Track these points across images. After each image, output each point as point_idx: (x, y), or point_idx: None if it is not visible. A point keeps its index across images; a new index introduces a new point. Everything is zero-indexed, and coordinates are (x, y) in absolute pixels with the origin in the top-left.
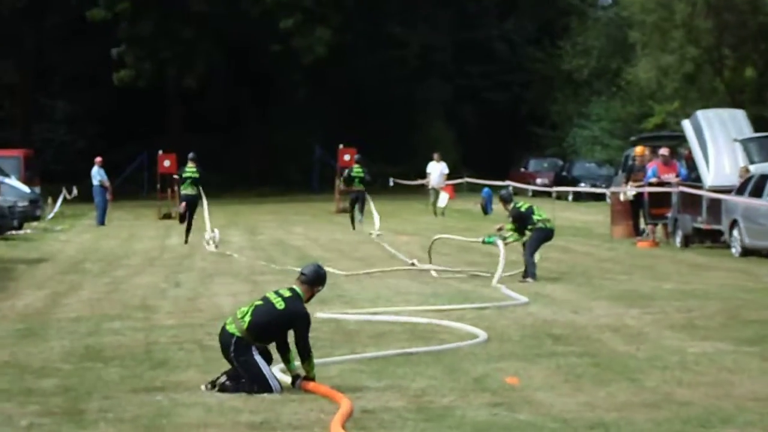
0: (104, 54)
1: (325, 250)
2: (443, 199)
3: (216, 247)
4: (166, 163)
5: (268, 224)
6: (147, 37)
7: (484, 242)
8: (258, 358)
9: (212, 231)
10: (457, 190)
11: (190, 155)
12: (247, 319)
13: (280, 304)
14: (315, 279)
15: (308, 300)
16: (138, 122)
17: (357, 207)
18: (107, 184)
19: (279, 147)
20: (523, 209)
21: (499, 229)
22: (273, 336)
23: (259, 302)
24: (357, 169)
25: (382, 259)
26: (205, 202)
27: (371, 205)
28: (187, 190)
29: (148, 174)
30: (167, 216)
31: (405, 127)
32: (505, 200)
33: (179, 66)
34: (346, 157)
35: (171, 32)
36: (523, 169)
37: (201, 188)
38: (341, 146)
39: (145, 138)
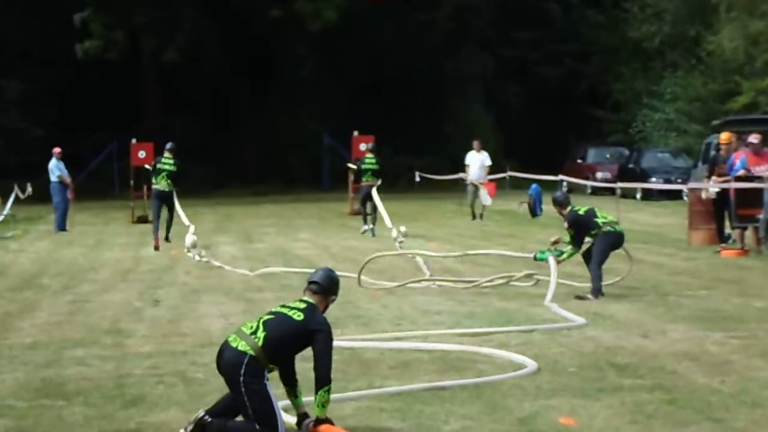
0: (65, 21)
1: (338, 260)
2: (485, 196)
3: (200, 256)
4: (141, 154)
5: (267, 229)
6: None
7: (536, 258)
8: (271, 390)
9: (192, 234)
10: (498, 187)
11: (168, 145)
12: (261, 334)
13: (297, 315)
14: (329, 286)
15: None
16: (107, 105)
17: (369, 207)
18: (68, 180)
19: (280, 135)
20: (581, 212)
21: (555, 243)
22: (289, 355)
23: (269, 316)
24: (369, 160)
25: (407, 272)
26: (176, 202)
27: (376, 201)
28: (159, 185)
29: (119, 167)
30: (143, 219)
31: (433, 109)
32: (560, 203)
33: (157, 35)
34: (363, 147)
35: None
36: (579, 161)
37: (175, 185)
38: (356, 133)
39: (115, 124)
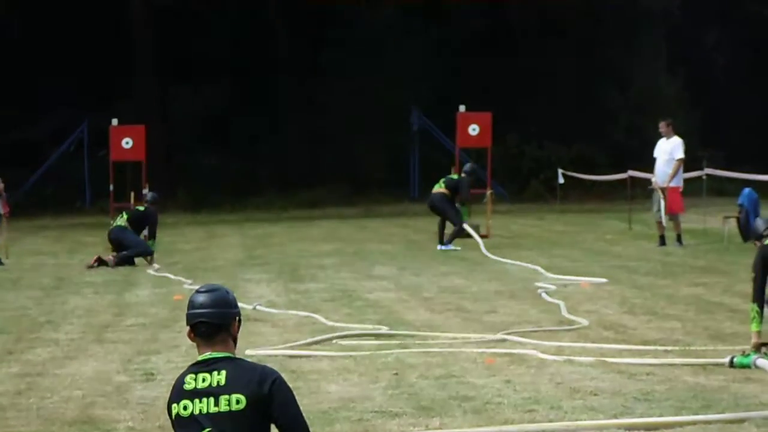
0: None
1: (432, 309)
2: (662, 207)
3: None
4: (126, 143)
5: (325, 260)
6: None
7: (732, 365)
8: None
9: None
10: (687, 194)
11: (149, 196)
12: None
13: (234, 404)
14: (223, 315)
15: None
16: (74, 69)
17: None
18: None
19: (340, 112)
20: None
21: (764, 345)
22: None
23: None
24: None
25: (539, 324)
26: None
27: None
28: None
29: (91, 164)
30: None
31: (586, 70)
32: (760, 235)
33: None
34: (473, 130)
35: None
36: None
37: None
38: (462, 108)
39: (85, 98)
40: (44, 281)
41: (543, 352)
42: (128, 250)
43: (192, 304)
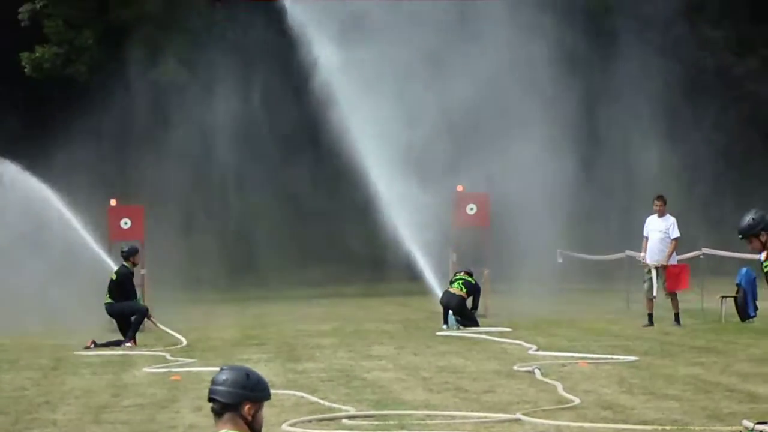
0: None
1: (430, 390)
2: (657, 285)
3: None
4: (125, 223)
5: (323, 340)
6: None
7: None
8: None
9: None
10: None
11: (126, 248)
12: None
13: None
14: (236, 396)
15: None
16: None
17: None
18: None
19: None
20: None
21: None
22: None
23: None
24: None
25: (535, 404)
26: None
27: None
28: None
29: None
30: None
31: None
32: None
33: None
34: (470, 210)
35: None
36: None
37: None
38: (460, 188)
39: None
40: (42, 362)
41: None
42: (132, 318)
43: (212, 381)
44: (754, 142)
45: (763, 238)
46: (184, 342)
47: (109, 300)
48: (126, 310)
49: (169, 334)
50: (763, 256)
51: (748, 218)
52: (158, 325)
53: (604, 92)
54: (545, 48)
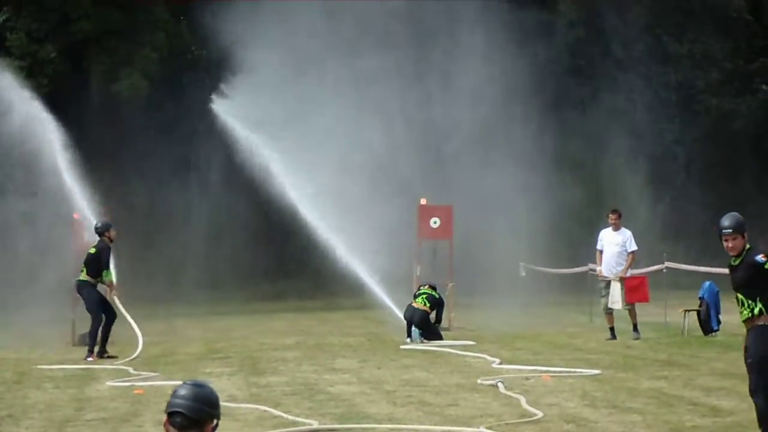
0: None
1: (394, 403)
2: (618, 296)
3: None
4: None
5: (286, 354)
6: None
7: None
8: None
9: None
10: (652, 286)
11: (99, 223)
12: None
13: None
14: (201, 413)
15: None
16: None
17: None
18: None
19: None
20: None
21: None
22: None
23: None
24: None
25: (499, 417)
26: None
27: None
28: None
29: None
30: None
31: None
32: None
33: None
34: (434, 223)
35: None
36: None
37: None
38: (423, 201)
39: None
40: (5, 375)
41: None
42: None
43: (174, 394)
44: (717, 156)
45: (745, 238)
46: (140, 338)
47: (84, 277)
48: (86, 305)
49: (129, 321)
50: (761, 257)
51: (736, 215)
52: (120, 307)
53: (566, 107)
54: (508, 64)
